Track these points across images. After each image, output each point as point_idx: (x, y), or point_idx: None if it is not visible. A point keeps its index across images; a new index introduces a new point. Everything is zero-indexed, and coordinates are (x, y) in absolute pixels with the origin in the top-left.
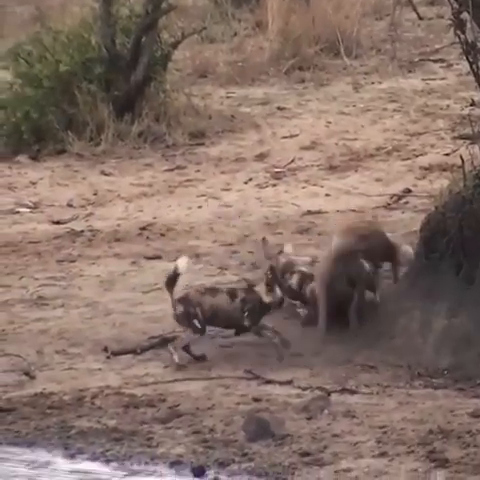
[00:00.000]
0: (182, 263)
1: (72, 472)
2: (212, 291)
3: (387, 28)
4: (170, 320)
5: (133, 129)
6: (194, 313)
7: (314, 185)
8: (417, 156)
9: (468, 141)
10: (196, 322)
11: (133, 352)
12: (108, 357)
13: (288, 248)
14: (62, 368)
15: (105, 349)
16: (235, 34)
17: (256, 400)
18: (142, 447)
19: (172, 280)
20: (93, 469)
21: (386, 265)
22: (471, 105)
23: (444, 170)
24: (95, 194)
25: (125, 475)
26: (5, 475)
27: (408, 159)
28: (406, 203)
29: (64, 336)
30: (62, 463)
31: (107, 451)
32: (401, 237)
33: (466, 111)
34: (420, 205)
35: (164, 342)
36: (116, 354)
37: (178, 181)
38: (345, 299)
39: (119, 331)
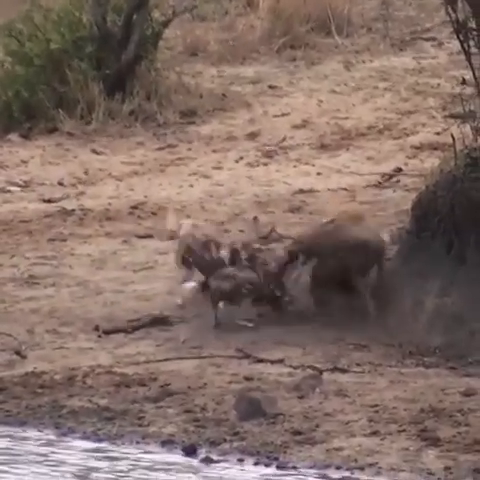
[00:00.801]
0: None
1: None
2: None
3: (378, 7)
4: (161, 299)
5: (124, 108)
6: None
7: (305, 164)
8: (408, 135)
9: (459, 120)
10: None
11: (124, 331)
12: (99, 336)
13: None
14: (53, 347)
15: (96, 328)
16: (226, 12)
17: (248, 379)
18: (133, 426)
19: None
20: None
21: None
22: (462, 84)
23: (435, 149)
24: (86, 173)
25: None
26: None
27: (399, 138)
28: (397, 182)
29: (55, 315)
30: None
31: (98, 430)
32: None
33: (457, 90)
34: (411, 184)
35: (154, 321)
36: (107, 333)
37: (169, 160)
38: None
39: (110, 310)
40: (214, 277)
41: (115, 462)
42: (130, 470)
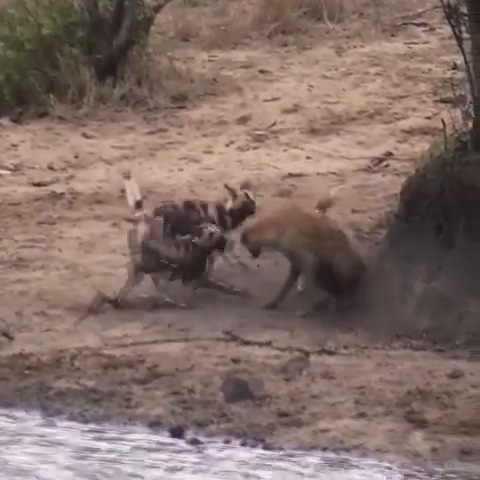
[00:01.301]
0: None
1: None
2: None
3: None
4: (150, 282)
5: (115, 92)
6: None
7: (295, 148)
8: (398, 119)
9: (450, 105)
10: None
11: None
12: (81, 318)
13: None
14: (41, 329)
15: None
16: None
17: (235, 361)
18: (121, 408)
19: None
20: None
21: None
22: (453, 69)
23: (425, 133)
24: (76, 157)
25: None
26: None
27: (389, 122)
28: (387, 166)
29: (43, 298)
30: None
31: (85, 412)
32: None
33: (448, 75)
34: (401, 168)
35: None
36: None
37: (159, 144)
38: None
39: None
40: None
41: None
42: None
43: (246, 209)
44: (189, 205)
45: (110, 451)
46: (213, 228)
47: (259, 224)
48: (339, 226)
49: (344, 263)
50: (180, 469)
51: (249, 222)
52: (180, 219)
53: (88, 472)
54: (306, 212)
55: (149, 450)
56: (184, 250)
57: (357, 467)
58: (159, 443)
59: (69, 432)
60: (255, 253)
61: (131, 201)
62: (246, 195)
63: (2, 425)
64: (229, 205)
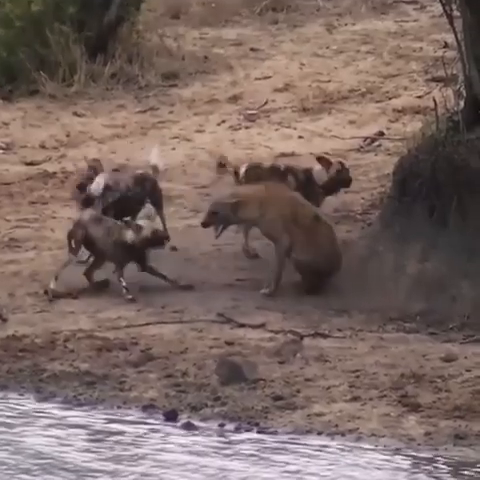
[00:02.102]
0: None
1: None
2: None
3: None
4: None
5: (106, 70)
6: None
7: (287, 127)
8: (390, 98)
9: (441, 83)
10: None
11: (70, 295)
12: (50, 300)
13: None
14: (34, 311)
15: (45, 292)
16: None
17: (229, 344)
18: (114, 391)
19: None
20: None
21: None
22: (444, 47)
23: (417, 112)
24: (68, 135)
25: None
26: None
27: (381, 101)
28: (379, 146)
29: (36, 278)
30: None
31: (79, 395)
32: None
33: (439, 53)
34: (393, 148)
35: (97, 286)
36: (57, 297)
37: (151, 122)
38: None
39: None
40: None
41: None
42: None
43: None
44: (274, 169)
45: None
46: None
47: None
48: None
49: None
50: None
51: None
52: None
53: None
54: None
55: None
56: None
57: None
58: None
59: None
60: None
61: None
62: (341, 164)
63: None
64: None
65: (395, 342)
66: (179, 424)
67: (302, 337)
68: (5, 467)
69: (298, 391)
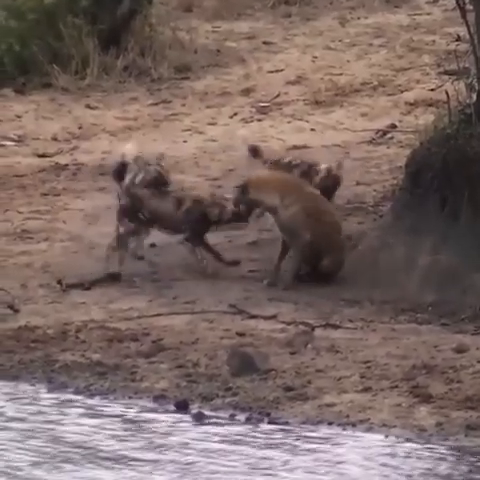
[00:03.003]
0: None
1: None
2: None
3: None
4: (152, 253)
5: (118, 63)
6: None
7: (299, 120)
8: (402, 91)
9: (453, 76)
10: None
11: (81, 286)
12: (63, 290)
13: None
14: (46, 302)
15: (59, 282)
16: None
17: (240, 335)
18: (126, 381)
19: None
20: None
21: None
22: (457, 40)
23: (429, 105)
24: (80, 128)
25: None
26: None
27: (393, 94)
28: (391, 138)
29: (48, 270)
30: None
31: (91, 385)
32: None
33: (452, 46)
34: (405, 140)
35: (109, 278)
36: (69, 287)
37: (163, 115)
38: None
39: (103, 265)
40: None
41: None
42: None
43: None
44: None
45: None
46: None
47: None
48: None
49: None
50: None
51: None
52: None
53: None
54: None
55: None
56: None
57: None
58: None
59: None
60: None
61: None
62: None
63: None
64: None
65: (407, 333)
66: (190, 414)
67: (313, 328)
68: (47, 456)
69: (309, 382)
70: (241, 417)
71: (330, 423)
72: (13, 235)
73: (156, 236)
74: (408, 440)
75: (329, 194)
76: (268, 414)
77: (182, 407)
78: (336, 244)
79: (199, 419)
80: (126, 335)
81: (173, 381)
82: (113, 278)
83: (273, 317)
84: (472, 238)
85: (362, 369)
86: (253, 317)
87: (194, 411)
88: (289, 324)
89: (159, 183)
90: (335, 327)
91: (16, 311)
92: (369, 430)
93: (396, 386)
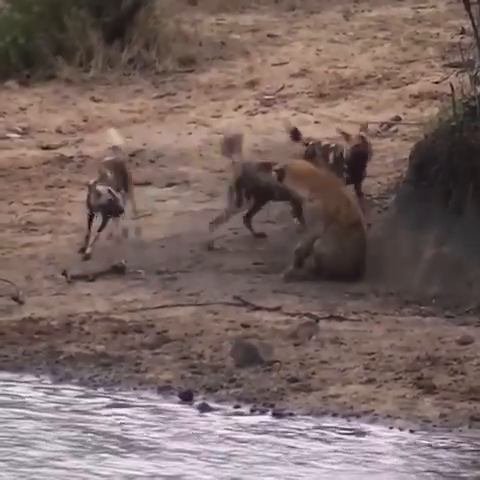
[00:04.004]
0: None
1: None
2: None
3: None
4: (158, 246)
5: (123, 55)
6: None
7: (304, 112)
8: (407, 84)
9: (458, 69)
10: None
11: (85, 278)
12: (68, 281)
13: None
14: (51, 293)
15: (64, 273)
16: None
17: (245, 326)
18: (130, 373)
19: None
20: None
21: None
22: (461, 33)
23: (434, 98)
24: (85, 120)
25: None
26: None
27: (398, 87)
28: (396, 131)
29: (53, 261)
30: None
31: (95, 376)
32: None
33: (456, 39)
34: (410, 133)
35: (114, 270)
36: (74, 278)
37: (168, 108)
38: None
39: (108, 257)
40: None
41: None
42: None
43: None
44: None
45: None
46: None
47: None
48: None
49: None
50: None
51: None
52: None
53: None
54: None
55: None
56: None
57: None
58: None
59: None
60: None
61: None
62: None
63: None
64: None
65: (411, 325)
66: (194, 405)
67: (318, 320)
68: (85, 446)
69: (313, 373)
70: (245, 409)
71: (334, 414)
72: (18, 227)
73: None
74: (412, 431)
75: (363, 162)
76: (272, 405)
77: (186, 398)
78: (355, 242)
79: (203, 410)
80: (130, 327)
81: (178, 372)
82: (117, 270)
83: (277, 309)
84: (476, 231)
85: (366, 361)
86: (258, 309)
87: (198, 402)
88: (293, 316)
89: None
90: (339, 319)
91: (21, 303)
92: (373, 421)
93: (400, 378)
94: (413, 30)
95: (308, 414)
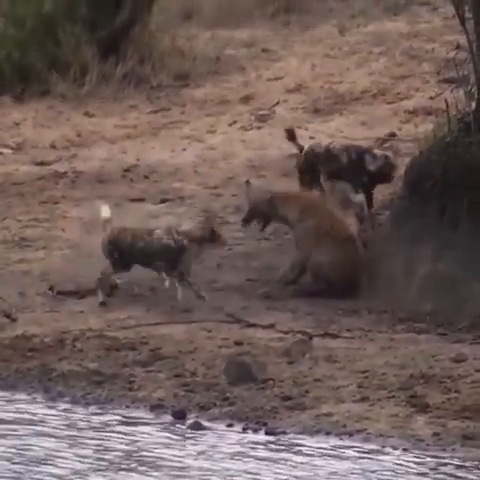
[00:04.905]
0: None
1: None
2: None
3: None
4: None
5: (117, 70)
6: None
7: (299, 128)
8: (402, 99)
9: (453, 85)
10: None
11: (75, 294)
12: (53, 296)
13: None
14: (44, 310)
15: (50, 289)
16: None
17: (238, 344)
18: (123, 390)
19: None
20: None
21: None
22: (456, 48)
23: (429, 114)
24: (79, 135)
25: None
26: None
27: (393, 102)
28: (390, 147)
29: (46, 278)
30: None
31: (88, 394)
32: None
33: (451, 54)
34: (405, 149)
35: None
36: (61, 294)
37: (162, 123)
38: None
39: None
40: None
41: None
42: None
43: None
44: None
45: None
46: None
47: None
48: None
49: None
50: None
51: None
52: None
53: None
54: None
55: None
56: None
57: None
58: None
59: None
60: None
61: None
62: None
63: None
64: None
65: (405, 342)
66: (187, 424)
67: (311, 337)
68: (106, 463)
69: (307, 391)
70: (238, 427)
71: (327, 433)
72: (11, 243)
73: None
74: (405, 450)
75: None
76: (265, 424)
77: (179, 417)
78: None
79: (196, 428)
80: (124, 344)
81: (171, 390)
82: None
83: (271, 326)
84: (471, 247)
85: (360, 379)
86: (251, 326)
87: (191, 421)
88: (287, 333)
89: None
90: (333, 336)
91: (13, 320)
92: (366, 440)
93: (394, 396)
94: (408, 45)
95: (301, 433)
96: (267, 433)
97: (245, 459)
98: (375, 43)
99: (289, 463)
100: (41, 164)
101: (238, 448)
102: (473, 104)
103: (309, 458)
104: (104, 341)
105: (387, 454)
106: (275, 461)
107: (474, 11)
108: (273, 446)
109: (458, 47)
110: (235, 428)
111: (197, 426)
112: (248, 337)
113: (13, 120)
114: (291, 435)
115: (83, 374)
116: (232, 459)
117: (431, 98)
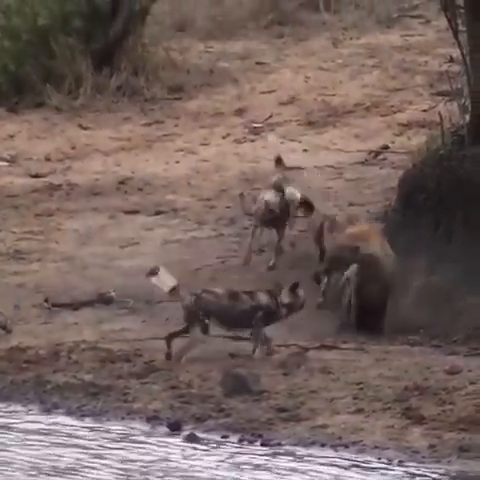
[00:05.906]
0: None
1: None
2: None
3: None
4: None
5: (111, 83)
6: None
7: (292, 141)
8: (395, 112)
9: (446, 98)
10: None
11: (70, 306)
12: (48, 308)
13: None
14: (39, 322)
15: (46, 300)
16: None
17: (233, 356)
18: (118, 402)
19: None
20: None
21: None
22: (449, 61)
23: (422, 126)
24: (73, 148)
25: None
26: None
27: (386, 115)
28: (384, 159)
29: (41, 290)
30: None
31: (83, 406)
32: None
33: (444, 67)
34: (398, 161)
35: (99, 299)
36: (56, 306)
37: (156, 135)
38: None
39: (96, 285)
40: None
41: None
42: None
43: None
44: None
45: None
46: None
47: None
48: None
49: None
50: None
51: None
52: None
53: None
54: None
55: None
56: None
57: None
58: None
59: None
60: None
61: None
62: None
63: None
64: None
65: (399, 355)
66: (182, 436)
67: (306, 349)
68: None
69: (302, 403)
70: (234, 438)
71: (323, 444)
72: (6, 255)
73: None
74: (401, 462)
75: None
76: (261, 435)
77: (175, 428)
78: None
79: (191, 441)
80: (118, 356)
81: (166, 402)
82: (105, 300)
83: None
84: (465, 260)
85: (355, 390)
86: (246, 338)
87: (186, 432)
88: (282, 345)
89: None
90: (328, 348)
91: (8, 331)
92: (361, 452)
93: (389, 408)
94: (401, 58)
95: (296, 444)
96: (263, 444)
97: (242, 468)
98: (368, 56)
99: (284, 473)
100: (36, 176)
101: (234, 459)
102: (467, 117)
103: (304, 468)
104: (99, 353)
105: (383, 466)
106: (271, 471)
107: (467, 24)
108: (269, 457)
109: (451, 60)
110: (231, 439)
111: (192, 438)
112: (243, 349)
113: (7, 132)
114: (287, 447)
115: (78, 386)
116: (228, 470)
117: (424, 111)
